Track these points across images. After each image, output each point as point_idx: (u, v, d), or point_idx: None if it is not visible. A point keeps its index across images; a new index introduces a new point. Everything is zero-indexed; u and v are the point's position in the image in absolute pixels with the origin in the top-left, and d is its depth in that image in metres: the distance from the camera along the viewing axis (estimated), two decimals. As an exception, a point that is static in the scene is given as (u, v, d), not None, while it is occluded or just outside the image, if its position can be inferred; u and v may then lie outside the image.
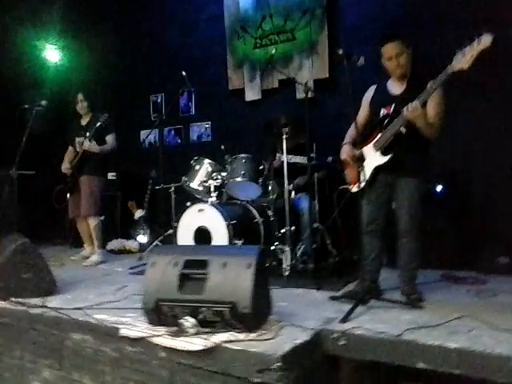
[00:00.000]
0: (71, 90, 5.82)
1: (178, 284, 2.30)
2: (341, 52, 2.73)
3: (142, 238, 5.30)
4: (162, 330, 2.31)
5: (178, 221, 3.94)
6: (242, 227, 3.77)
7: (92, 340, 2.53)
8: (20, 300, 2.92)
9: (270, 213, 4.02)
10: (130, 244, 5.24)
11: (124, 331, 2.38)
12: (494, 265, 3.48)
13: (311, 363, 2.22)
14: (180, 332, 2.24)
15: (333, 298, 2.90)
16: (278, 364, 1.98)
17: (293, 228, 3.78)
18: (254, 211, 3.98)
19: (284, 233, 3.80)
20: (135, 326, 2.40)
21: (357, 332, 2.26)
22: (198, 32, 5.63)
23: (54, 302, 2.94)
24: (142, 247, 5.14)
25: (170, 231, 4.49)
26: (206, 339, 2.16)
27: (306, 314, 2.59)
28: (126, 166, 5.82)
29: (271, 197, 4.00)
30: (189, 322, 2.25)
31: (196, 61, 5.50)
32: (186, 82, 4.31)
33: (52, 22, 6.23)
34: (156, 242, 4.63)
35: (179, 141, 5.78)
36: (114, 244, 5.17)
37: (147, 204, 5.41)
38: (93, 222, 4.47)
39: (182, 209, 4.07)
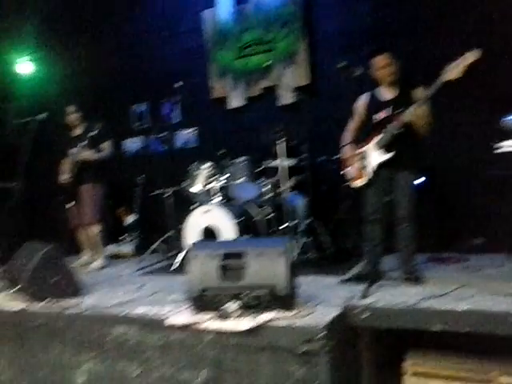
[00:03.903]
0: (50, 102, 5.88)
1: (219, 273, 2.58)
2: (342, 65, 3.12)
3: (135, 243, 5.48)
4: (207, 316, 2.57)
5: (182, 222, 4.19)
6: (245, 225, 4.07)
7: (136, 331, 2.74)
8: (56, 301, 3.08)
9: (267, 210, 4.33)
10: (124, 249, 5.39)
11: (171, 319, 2.62)
12: (471, 245, 3.98)
13: (342, 334, 2.56)
14: (225, 316, 2.52)
15: (342, 282, 3.26)
16: (322, 334, 2.30)
17: (293, 223, 4.11)
18: (254, 209, 4.29)
19: (283, 228, 4.12)
20: (180, 315, 2.65)
21: (378, 305, 2.62)
22: (177, 44, 5.87)
23: (87, 301, 3.11)
24: (137, 251, 5.32)
25: (170, 233, 4.72)
26: (251, 320, 2.45)
27: (325, 295, 2.92)
28: (111, 175, 5.92)
29: (268, 196, 4.32)
30: (232, 306, 2.53)
31: (176, 71, 5.71)
32: (182, 91, 4.54)
33: (26, 36, 6.26)
34: (156, 245, 4.82)
35: (164, 148, 5.96)
36: (110, 249, 5.30)
37: (138, 209, 5.58)
38: (95, 229, 4.61)
39: (181, 212, 4.33)
